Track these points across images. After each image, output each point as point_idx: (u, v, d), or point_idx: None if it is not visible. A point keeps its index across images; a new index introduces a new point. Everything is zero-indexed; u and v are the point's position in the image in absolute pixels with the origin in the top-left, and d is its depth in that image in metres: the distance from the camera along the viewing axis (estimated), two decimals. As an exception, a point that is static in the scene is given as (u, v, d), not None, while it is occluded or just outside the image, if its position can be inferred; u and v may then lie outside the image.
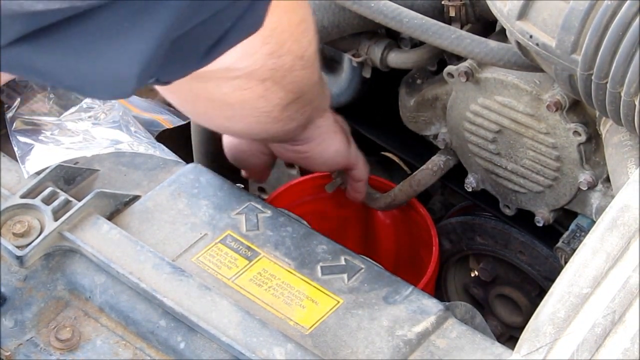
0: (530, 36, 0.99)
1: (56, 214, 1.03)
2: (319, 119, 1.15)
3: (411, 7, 1.21)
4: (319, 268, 1.01)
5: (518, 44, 1.03)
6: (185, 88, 1.00)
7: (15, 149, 1.13)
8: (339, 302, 0.98)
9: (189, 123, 1.43)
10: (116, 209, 1.07)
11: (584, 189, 1.21)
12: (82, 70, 0.71)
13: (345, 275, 1.00)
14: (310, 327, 0.96)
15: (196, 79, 0.86)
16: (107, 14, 0.68)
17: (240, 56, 0.90)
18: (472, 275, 1.54)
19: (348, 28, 1.31)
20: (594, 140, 1.18)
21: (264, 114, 1.04)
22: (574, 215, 1.28)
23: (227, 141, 1.23)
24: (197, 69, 0.84)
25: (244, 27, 0.81)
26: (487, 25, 1.26)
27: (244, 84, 0.97)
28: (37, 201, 1.04)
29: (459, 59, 1.26)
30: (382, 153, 1.62)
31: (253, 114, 1.04)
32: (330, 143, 1.20)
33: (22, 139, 1.15)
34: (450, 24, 1.22)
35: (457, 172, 1.37)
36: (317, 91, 1.09)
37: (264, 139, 1.19)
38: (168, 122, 1.39)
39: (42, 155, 1.12)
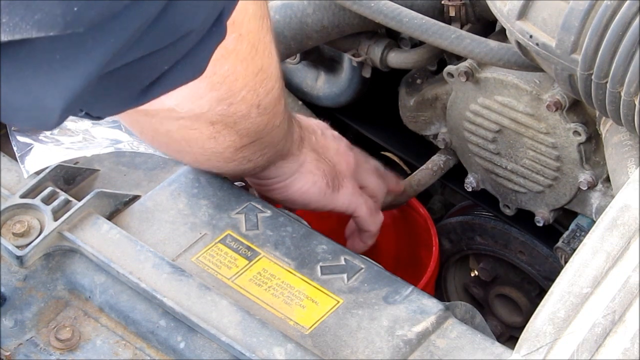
0: (530, 36, 0.99)
1: (56, 214, 1.03)
2: (281, 161, 1.11)
3: (411, 7, 1.21)
4: (318, 268, 1.01)
5: (518, 43, 1.03)
6: (129, 118, 0.99)
7: (15, 148, 1.13)
8: (339, 302, 0.98)
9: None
10: (116, 208, 1.07)
11: (584, 188, 1.21)
12: (6, 96, 0.69)
13: (345, 275, 1.00)
14: (310, 327, 0.96)
15: (139, 112, 0.84)
16: (40, 45, 0.65)
17: (184, 99, 0.88)
18: (472, 275, 1.54)
19: (348, 28, 1.31)
20: (594, 140, 1.18)
21: (214, 154, 1.02)
22: (574, 215, 1.28)
23: None
24: (131, 108, 0.80)
25: (184, 71, 0.78)
26: (487, 25, 1.27)
27: (190, 124, 0.95)
28: (37, 201, 1.04)
29: (459, 59, 1.26)
30: (382, 153, 1.62)
31: (202, 152, 1.02)
32: (297, 184, 1.14)
33: (21, 138, 1.14)
34: (450, 24, 1.22)
35: (457, 172, 1.37)
36: (279, 135, 1.05)
37: (218, 173, 1.15)
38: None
39: (42, 155, 1.12)
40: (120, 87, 0.75)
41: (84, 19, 0.64)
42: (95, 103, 0.76)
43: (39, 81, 0.67)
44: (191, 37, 0.74)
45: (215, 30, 0.76)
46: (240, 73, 0.90)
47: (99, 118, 0.81)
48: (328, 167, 1.17)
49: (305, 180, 1.14)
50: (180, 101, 0.88)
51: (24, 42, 0.64)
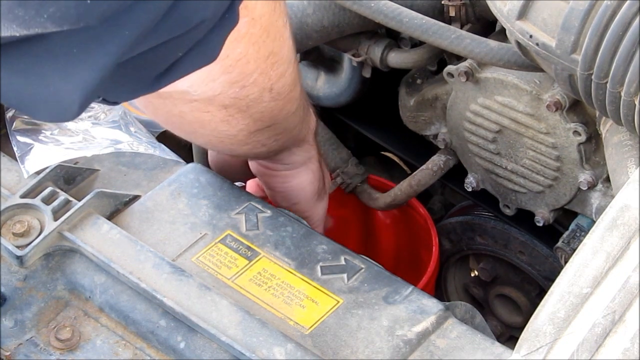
0: (530, 36, 0.99)
1: (56, 214, 1.03)
2: (295, 148, 1.12)
3: (411, 7, 1.21)
4: (319, 268, 1.01)
5: (518, 43, 1.03)
6: (143, 100, 0.99)
7: (15, 149, 1.13)
8: (339, 302, 0.98)
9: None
10: (116, 208, 1.07)
11: (584, 188, 1.21)
12: (25, 91, 0.70)
13: (345, 275, 1.00)
14: (310, 327, 0.96)
15: (152, 95, 0.85)
16: (57, 39, 0.67)
17: (197, 82, 0.88)
18: (472, 275, 1.54)
19: (348, 28, 1.31)
20: (594, 140, 1.18)
21: (227, 137, 1.02)
22: (574, 215, 1.28)
23: (210, 155, 1.22)
24: (146, 94, 0.83)
25: (197, 58, 0.80)
26: (487, 25, 1.27)
27: (203, 107, 0.95)
28: (37, 201, 1.04)
29: (459, 58, 1.26)
30: (382, 153, 1.62)
31: (215, 135, 1.02)
32: (300, 177, 1.15)
33: (21, 139, 1.14)
34: (450, 23, 1.22)
35: (457, 172, 1.37)
36: (295, 121, 1.06)
37: (230, 155, 1.16)
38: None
39: (42, 155, 1.12)
40: (135, 75, 0.77)
41: (96, 12, 0.66)
42: (111, 90, 0.78)
43: (57, 75, 0.69)
44: (204, 26, 0.75)
45: (227, 17, 0.77)
46: (251, 56, 0.90)
47: (116, 103, 0.83)
48: (322, 173, 1.18)
49: (307, 177, 1.15)
50: (193, 84, 0.89)
51: (41, 38, 0.66)
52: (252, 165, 1.17)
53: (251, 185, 1.24)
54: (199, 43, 0.77)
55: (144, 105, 1.02)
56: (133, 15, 0.68)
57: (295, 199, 1.16)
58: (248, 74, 0.92)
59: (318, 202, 1.19)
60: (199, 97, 0.93)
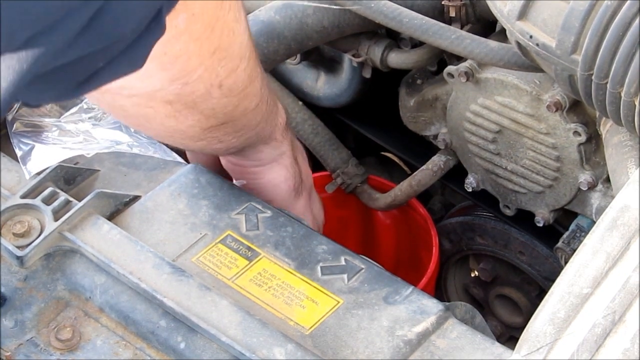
0: (530, 36, 0.99)
1: (56, 214, 1.03)
2: (261, 145, 1.09)
3: (411, 7, 1.21)
4: (319, 268, 1.01)
5: (518, 44, 1.03)
6: None
7: (16, 149, 1.13)
8: (339, 302, 0.98)
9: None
10: (116, 209, 1.07)
11: (584, 189, 1.21)
12: None
13: (345, 276, 1.00)
14: (311, 327, 0.96)
15: None
16: None
17: (131, 79, 0.84)
18: (472, 275, 1.54)
19: (348, 28, 1.31)
20: (594, 140, 1.18)
21: (176, 132, 0.99)
22: (574, 215, 1.28)
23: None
24: (69, 99, 0.80)
25: (120, 67, 0.77)
26: (487, 25, 1.27)
27: (144, 102, 0.93)
28: (37, 201, 1.04)
29: (459, 59, 1.26)
30: (382, 153, 1.62)
31: (163, 129, 0.99)
32: (272, 174, 1.12)
33: (22, 139, 1.14)
34: (450, 24, 1.22)
35: (457, 172, 1.37)
36: (257, 118, 1.03)
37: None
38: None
39: (43, 155, 1.12)
40: (54, 84, 0.74)
41: (18, 39, 0.64)
42: (31, 96, 0.76)
43: None
44: (126, 38, 0.72)
45: (153, 27, 0.75)
46: (193, 52, 0.88)
47: (38, 106, 0.80)
48: (298, 170, 1.14)
49: (279, 173, 1.12)
50: (127, 81, 0.85)
51: None
52: (222, 160, 1.14)
53: None
54: (122, 53, 0.74)
55: (86, 96, 0.98)
56: (50, 36, 0.66)
57: (269, 195, 1.13)
58: (190, 71, 0.89)
59: (296, 200, 1.15)
60: (137, 93, 0.90)
